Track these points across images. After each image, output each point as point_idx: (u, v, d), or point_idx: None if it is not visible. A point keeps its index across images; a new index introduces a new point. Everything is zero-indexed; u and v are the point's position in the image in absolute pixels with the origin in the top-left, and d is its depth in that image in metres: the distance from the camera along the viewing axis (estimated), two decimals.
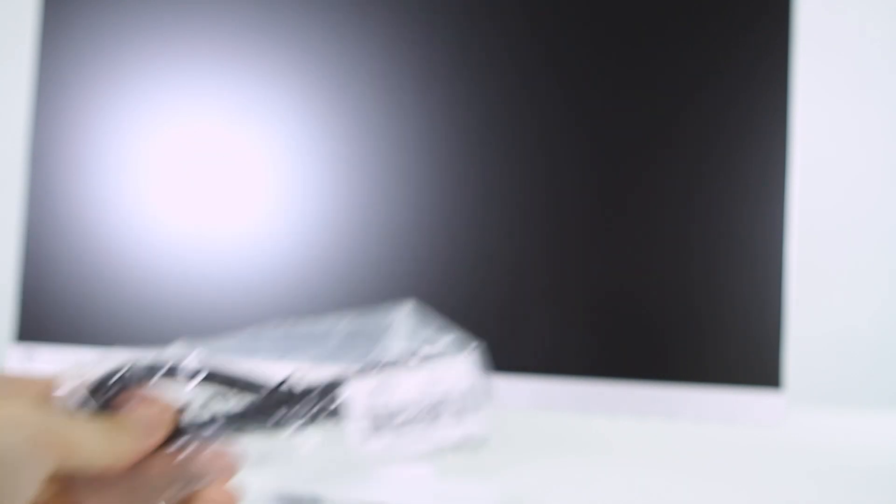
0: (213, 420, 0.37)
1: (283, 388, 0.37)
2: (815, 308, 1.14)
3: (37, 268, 0.75)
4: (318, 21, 0.72)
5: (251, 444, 0.37)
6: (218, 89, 0.73)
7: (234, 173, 0.73)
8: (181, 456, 0.36)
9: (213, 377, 0.37)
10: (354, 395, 0.37)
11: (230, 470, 0.37)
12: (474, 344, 0.38)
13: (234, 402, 0.37)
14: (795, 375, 0.69)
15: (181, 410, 0.37)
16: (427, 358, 0.37)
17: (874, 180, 1.18)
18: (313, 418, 0.38)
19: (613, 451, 0.95)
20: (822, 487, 0.82)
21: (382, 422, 0.37)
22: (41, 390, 0.36)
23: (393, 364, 0.37)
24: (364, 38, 0.71)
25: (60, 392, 0.36)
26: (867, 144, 1.18)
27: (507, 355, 0.68)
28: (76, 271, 0.74)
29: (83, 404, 0.35)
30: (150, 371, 0.36)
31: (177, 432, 0.36)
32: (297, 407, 0.37)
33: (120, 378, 0.36)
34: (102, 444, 0.33)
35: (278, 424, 0.38)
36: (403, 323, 0.39)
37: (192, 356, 0.37)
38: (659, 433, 0.99)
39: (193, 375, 0.36)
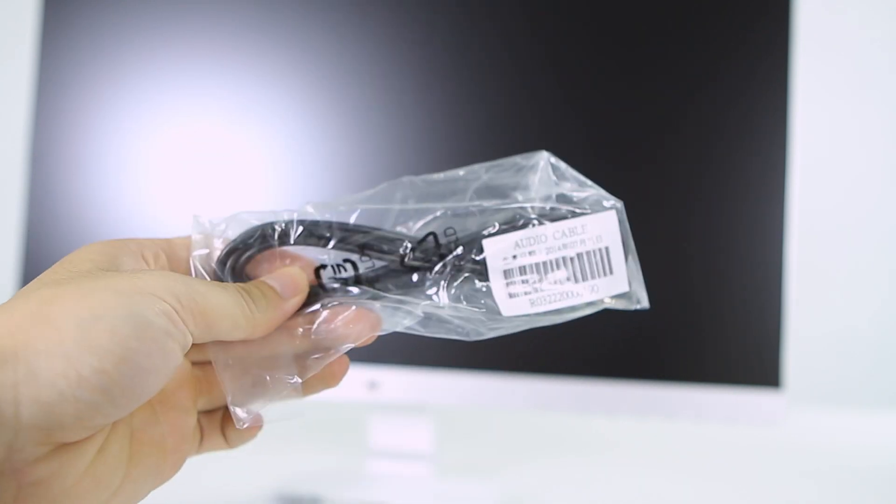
0: (350, 281, 0.35)
1: (423, 246, 0.35)
2: (815, 308, 1.14)
3: (37, 268, 0.75)
4: (318, 21, 0.72)
5: (388, 304, 0.35)
6: (218, 89, 0.73)
7: (234, 173, 0.73)
8: (319, 321, 0.34)
9: (347, 238, 0.34)
10: (492, 252, 0.34)
11: (369, 332, 0.35)
12: (614, 201, 0.36)
13: (371, 264, 0.35)
14: (795, 375, 0.69)
15: (318, 272, 0.35)
16: (565, 213, 0.35)
17: (874, 180, 1.18)
18: (452, 277, 0.35)
19: (613, 451, 0.95)
20: (821, 487, 0.82)
21: (520, 279, 0.35)
22: (176, 252, 0.35)
23: (530, 220, 0.35)
24: (364, 38, 0.71)
25: (196, 255, 0.35)
26: (867, 144, 1.18)
27: (507, 355, 0.68)
28: None
29: (220, 270, 0.34)
30: (283, 235, 0.34)
31: (314, 296, 0.34)
32: (437, 265, 0.35)
33: (253, 242, 0.34)
34: (241, 312, 0.32)
35: (416, 284, 0.35)
36: (539, 175, 0.36)
37: (326, 217, 0.35)
38: (659, 433, 0.99)
39: (328, 236, 0.34)
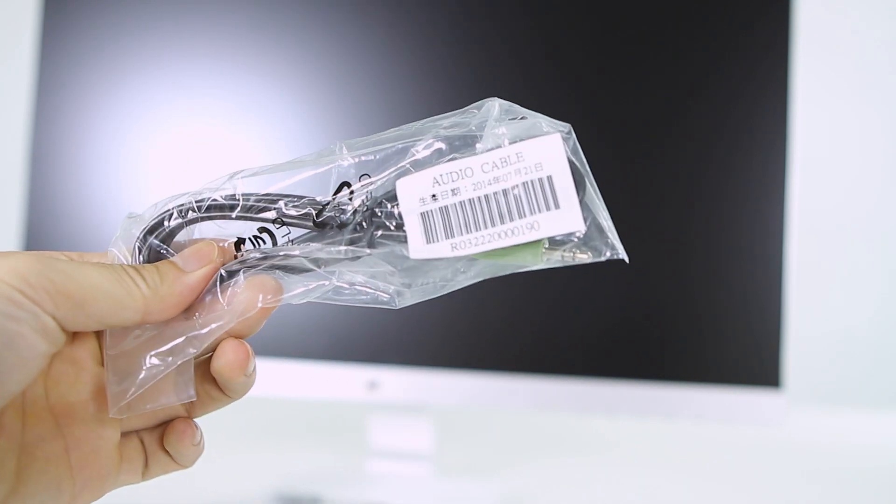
0: (267, 252, 0.31)
1: (336, 201, 0.31)
2: (815, 308, 1.14)
3: None
4: (319, 20, 0.72)
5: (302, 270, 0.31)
6: (218, 89, 0.73)
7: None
8: (224, 291, 0.31)
9: (254, 207, 0.31)
10: (407, 193, 0.30)
11: (263, 299, 0.30)
12: (566, 126, 0.31)
13: (294, 233, 0.32)
14: (795, 375, 0.69)
15: (238, 247, 0.32)
16: (498, 145, 0.30)
17: (874, 180, 1.18)
18: (373, 231, 0.31)
19: (613, 451, 0.95)
20: (821, 487, 0.82)
21: (440, 221, 0.30)
22: (92, 258, 0.32)
23: (456, 156, 0.30)
24: (365, 38, 0.71)
25: (113, 246, 0.32)
26: (867, 144, 1.18)
27: (507, 355, 0.68)
28: None
29: (136, 258, 0.32)
30: (190, 210, 0.32)
31: (234, 272, 0.31)
32: (352, 219, 0.31)
33: (161, 222, 0.32)
34: (125, 290, 0.29)
35: (335, 243, 0.31)
36: (490, 120, 0.31)
37: (237, 187, 0.32)
38: (659, 433, 0.99)
39: (235, 205, 0.31)
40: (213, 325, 0.30)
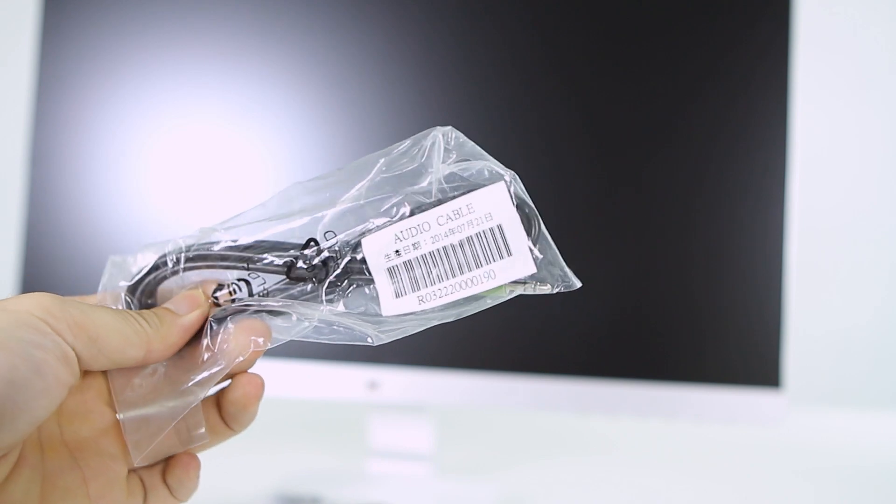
0: (245, 299, 0.34)
1: (305, 255, 0.33)
2: (815, 308, 1.14)
3: (37, 268, 0.75)
4: (320, 21, 0.72)
5: (287, 316, 0.34)
6: (218, 89, 0.73)
7: (235, 173, 0.73)
8: (215, 337, 0.34)
9: (230, 258, 0.34)
10: (372, 251, 0.32)
11: (255, 344, 0.34)
12: (503, 171, 0.32)
13: (263, 279, 0.34)
14: (795, 375, 0.69)
15: (215, 295, 0.35)
16: (453, 193, 0.32)
17: (874, 180, 1.18)
18: (342, 284, 0.33)
19: (613, 451, 0.95)
20: (821, 487, 0.82)
21: (406, 276, 0.32)
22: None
23: (415, 208, 0.32)
24: (365, 40, 0.71)
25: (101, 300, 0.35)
26: (867, 144, 1.18)
27: (507, 355, 0.68)
28: (76, 271, 0.74)
29: (129, 305, 0.35)
30: (175, 262, 0.34)
31: (220, 320, 0.34)
32: (324, 273, 0.33)
33: (148, 273, 0.35)
34: (131, 328, 0.32)
35: (309, 294, 0.33)
36: (436, 155, 0.32)
37: (218, 238, 0.34)
38: (659, 433, 0.99)
39: (213, 256, 0.34)
40: (215, 370, 0.33)
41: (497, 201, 0.32)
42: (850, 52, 1.17)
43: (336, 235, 0.33)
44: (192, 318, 0.34)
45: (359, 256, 0.33)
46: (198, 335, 0.34)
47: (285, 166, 0.72)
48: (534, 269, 0.33)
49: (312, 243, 0.33)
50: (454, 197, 0.32)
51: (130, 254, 0.36)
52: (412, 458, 0.73)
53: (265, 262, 0.34)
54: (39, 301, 0.30)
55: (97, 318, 0.31)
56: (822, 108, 1.15)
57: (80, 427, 0.33)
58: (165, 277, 0.35)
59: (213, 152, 0.74)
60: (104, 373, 0.34)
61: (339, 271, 0.33)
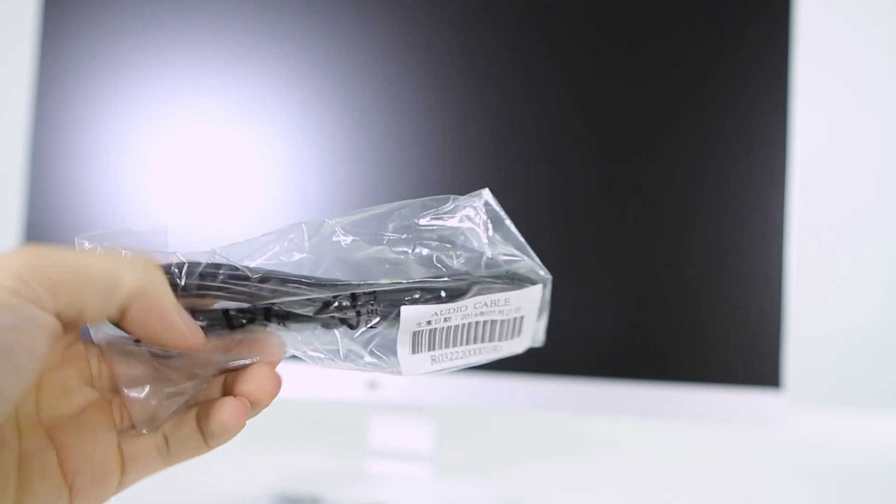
0: (260, 315, 0.33)
1: (339, 300, 0.33)
2: (815, 308, 1.14)
3: None
4: (319, 20, 0.72)
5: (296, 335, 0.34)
6: (218, 89, 0.73)
7: (235, 173, 0.73)
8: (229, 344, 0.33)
9: (261, 294, 0.32)
10: (408, 317, 0.33)
11: (275, 354, 0.33)
12: (544, 273, 0.35)
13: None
14: (795, 375, 0.69)
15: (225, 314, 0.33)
16: (492, 286, 0.34)
17: (873, 180, 1.18)
18: (365, 328, 0.33)
19: (613, 451, 0.95)
20: (821, 487, 0.82)
21: (427, 340, 0.34)
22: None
23: (456, 293, 0.33)
24: (365, 38, 0.71)
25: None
26: (867, 144, 1.18)
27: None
28: None
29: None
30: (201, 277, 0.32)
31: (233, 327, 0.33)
32: (354, 326, 0.33)
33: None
34: (115, 266, 0.29)
35: (327, 324, 0.33)
36: (475, 224, 0.34)
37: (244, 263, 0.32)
38: (659, 433, 0.99)
39: (246, 292, 0.32)
40: (243, 361, 0.33)
41: (531, 300, 0.35)
42: (850, 52, 1.17)
43: (375, 294, 0.33)
44: (195, 342, 0.32)
45: (391, 315, 0.33)
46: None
47: (285, 166, 0.72)
48: (527, 346, 0.37)
49: (351, 295, 0.33)
50: (497, 287, 0.34)
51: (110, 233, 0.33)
52: (412, 458, 0.73)
53: (296, 312, 0.33)
54: (9, 266, 0.27)
55: (78, 263, 0.28)
56: (822, 108, 1.15)
57: (58, 404, 0.32)
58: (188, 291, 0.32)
59: (213, 152, 0.74)
60: (87, 350, 0.33)
61: (369, 326, 0.33)
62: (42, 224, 0.74)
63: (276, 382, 0.34)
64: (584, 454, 0.93)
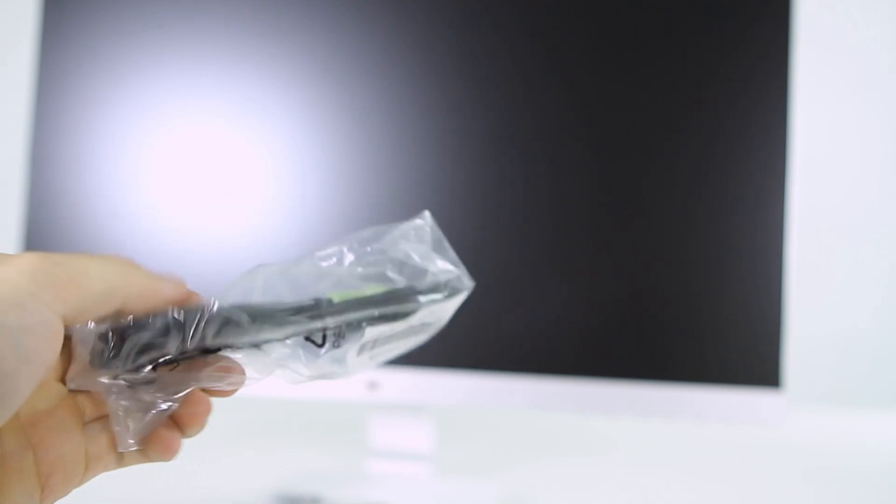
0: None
1: (311, 312, 0.35)
2: (815, 308, 1.14)
3: None
4: (319, 20, 0.72)
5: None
6: (218, 90, 0.73)
7: (235, 173, 0.73)
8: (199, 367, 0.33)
9: (261, 331, 0.33)
10: (369, 335, 0.37)
11: (235, 380, 0.34)
12: (470, 285, 0.40)
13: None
14: (795, 375, 0.69)
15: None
16: (435, 301, 0.39)
17: (873, 180, 1.18)
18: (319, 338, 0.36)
19: (613, 451, 0.95)
20: (821, 487, 0.82)
21: (370, 348, 0.39)
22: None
23: (410, 312, 0.38)
24: (365, 38, 0.71)
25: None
26: (866, 144, 1.18)
27: (507, 355, 0.68)
28: None
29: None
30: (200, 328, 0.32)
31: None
32: (321, 337, 0.36)
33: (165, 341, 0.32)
34: (112, 268, 0.30)
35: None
36: (414, 241, 0.40)
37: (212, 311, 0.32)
38: (659, 433, 0.99)
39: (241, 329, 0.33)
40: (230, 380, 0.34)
41: (456, 303, 0.41)
42: (850, 52, 1.17)
43: (340, 308, 0.36)
44: (173, 285, 0.32)
45: (356, 333, 0.37)
46: None
47: (285, 166, 0.72)
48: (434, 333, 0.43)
49: (315, 303, 0.35)
50: (439, 300, 0.40)
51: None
52: (412, 458, 0.73)
53: (279, 336, 0.34)
54: (24, 270, 0.27)
55: (81, 268, 0.29)
56: (822, 108, 1.15)
57: (35, 401, 0.32)
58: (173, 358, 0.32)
59: (213, 152, 0.74)
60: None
61: (332, 342, 0.37)
62: (42, 224, 0.74)
63: (206, 407, 0.35)
64: (584, 454, 0.93)
